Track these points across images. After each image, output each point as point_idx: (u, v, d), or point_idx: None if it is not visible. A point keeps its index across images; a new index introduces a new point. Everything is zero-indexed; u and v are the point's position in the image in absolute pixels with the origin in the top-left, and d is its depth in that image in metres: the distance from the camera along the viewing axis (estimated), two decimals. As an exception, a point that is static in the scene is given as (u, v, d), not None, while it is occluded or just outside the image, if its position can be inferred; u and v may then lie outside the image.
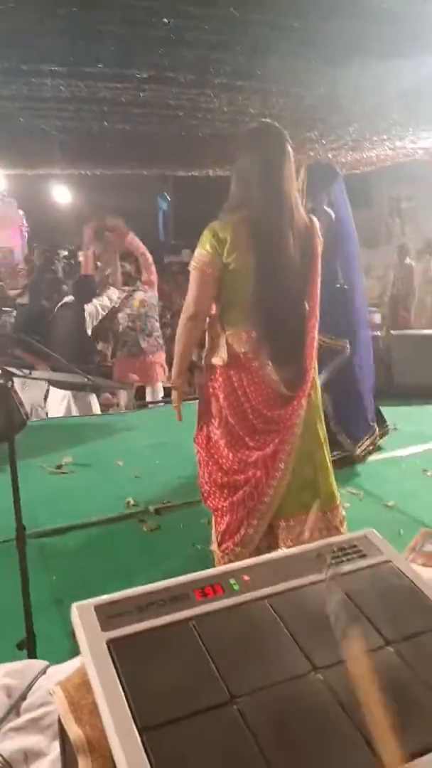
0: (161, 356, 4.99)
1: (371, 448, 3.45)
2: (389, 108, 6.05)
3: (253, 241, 1.97)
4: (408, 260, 8.62)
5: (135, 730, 0.71)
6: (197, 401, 2.22)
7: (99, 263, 5.03)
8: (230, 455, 2.06)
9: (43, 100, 5.52)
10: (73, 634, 0.89)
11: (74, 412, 4.36)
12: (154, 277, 4.97)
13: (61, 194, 12.59)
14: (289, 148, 2.01)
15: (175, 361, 2.20)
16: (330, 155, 7.39)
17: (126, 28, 4.00)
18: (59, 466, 3.53)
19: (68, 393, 4.35)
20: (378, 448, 3.54)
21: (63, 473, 3.48)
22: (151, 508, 2.98)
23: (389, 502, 2.92)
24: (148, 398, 4.95)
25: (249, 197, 1.98)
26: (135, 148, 7.31)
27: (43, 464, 3.53)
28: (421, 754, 0.70)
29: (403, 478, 3.26)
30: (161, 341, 5.01)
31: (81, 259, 5.60)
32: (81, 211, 11.56)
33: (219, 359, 2.04)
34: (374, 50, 4.78)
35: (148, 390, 5.00)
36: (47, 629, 1.82)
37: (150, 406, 4.98)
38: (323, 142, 6.96)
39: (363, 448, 3.38)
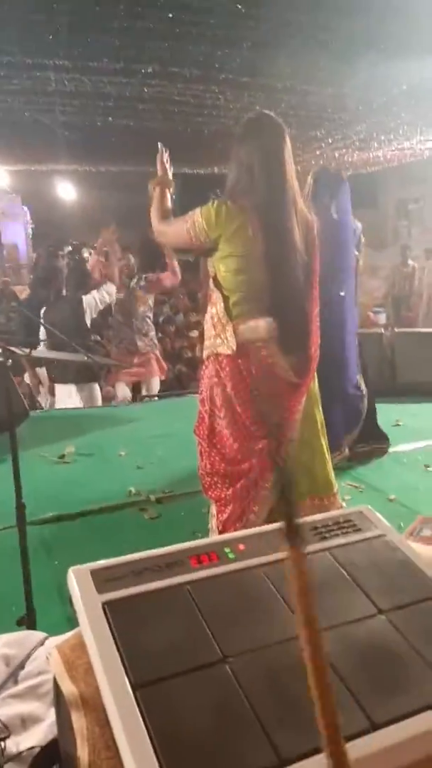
0: (156, 353, 5.02)
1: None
2: (397, 107, 6.07)
3: (262, 229, 1.97)
4: (411, 261, 8.62)
5: (128, 686, 0.72)
6: (198, 393, 2.22)
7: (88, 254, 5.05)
8: (235, 444, 2.06)
9: (47, 95, 5.56)
10: (70, 601, 0.90)
11: (78, 404, 4.38)
12: (169, 282, 5.00)
13: (66, 191, 12.62)
14: (287, 137, 2.03)
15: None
16: (336, 154, 7.42)
17: (131, 22, 4.04)
18: (62, 456, 3.55)
19: (72, 388, 4.38)
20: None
21: (66, 463, 3.50)
22: (153, 497, 2.99)
23: (391, 496, 2.93)
24: (144, 393, 4.96)
25: (253, 184, 1.99)
26: (140, 144, 7.32)
27: (46, 454, 3.55)
28: (410, 716, 0.71)
29: (405, 473, 3.26)
30: (155, 341, 5.03)
31: (86, 255, 5.61)
32: (85, 208, 11.59)
33: (227, 348, 2.04)
34: (383, 48, 4.80)
35: (144, 385, 4.99)
36: (48, 611, 1.83)
37: (147, 399, 4.98)
38: (329, 141, 6.99)
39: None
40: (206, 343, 2.14)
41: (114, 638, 0.78)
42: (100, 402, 4.63)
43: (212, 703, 0.71)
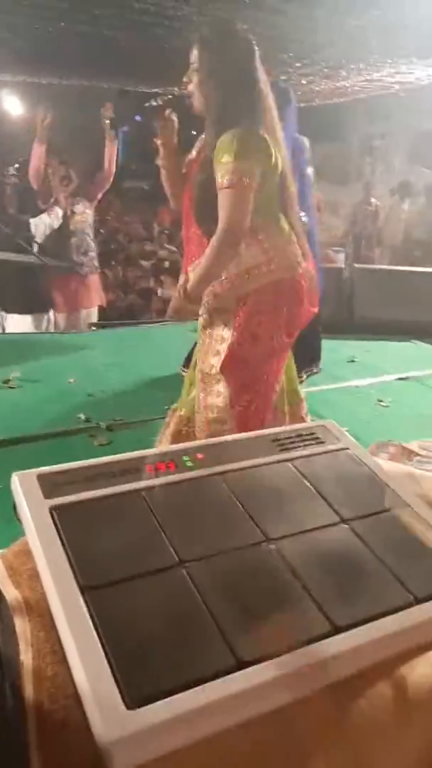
0: (95, 279, 4.79)
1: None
2: (368, 34, 5.80)
3: (273, 149, 1.87)
4: (374, 199, 8.52)
5: (77, 589, 0.67)
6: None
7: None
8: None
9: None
10: (14, 509, 0.84)
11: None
12: (100, 194, 4.70)
13: (12, 105, 11.77)
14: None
15: (201, 277, 1.93)
16: (303, 81, 7.10)
17: None
18: (6, 381, 3.42)
19: (27, 318, 4.22)
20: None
21: (11, 388, 3.38)
22: (103, 424, 2.93)
23: (343, 429, 2.96)
24: (83, 321, 4.75)
25: (243, 105, 1.85)
26: (95, 55, 6.82)
27: (-10, 378, 3.41)
28: (372, 620, 0.69)
29: (358, 407, 3.29)
30: (96, 263, 4.76)
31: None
32: (33, 125, 10.86)
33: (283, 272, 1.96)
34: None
35: (83, 312, 4.76)
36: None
37: (94, 328, 4.82)
38: (297, 65, 6.66)
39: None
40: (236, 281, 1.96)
41: (62, 542, 0.73)
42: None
43: (167, 606, 0.67)
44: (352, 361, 3.87)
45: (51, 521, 0.76)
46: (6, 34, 6.09)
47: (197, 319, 2.08)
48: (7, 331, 4.40)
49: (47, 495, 0.80)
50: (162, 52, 6.45)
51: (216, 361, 1.97)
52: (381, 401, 3.39)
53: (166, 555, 0.73)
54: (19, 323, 4.41)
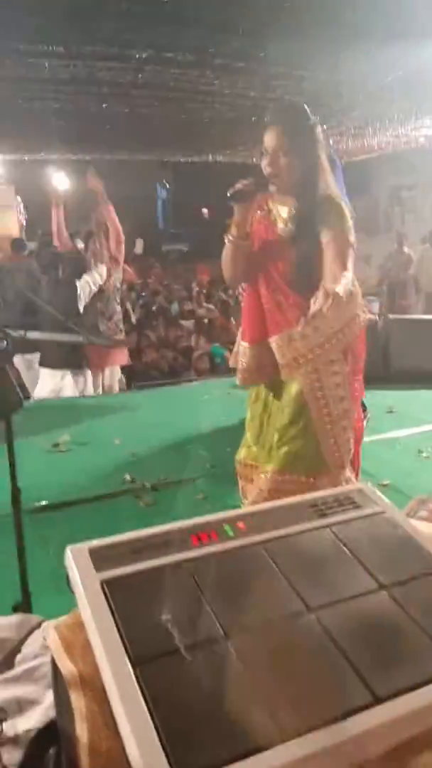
0: (120, 341, 4.92)
1: None
2: (391, 93, 6.02)
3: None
4: (406, 248, 8.60)
5: (128, 663, 0.71)
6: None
7: (81, 243, 4.97)
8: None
9: (40, 82, 5.48)
10: (67, 582, 0.89)
11: (68, 392, 4.36)
12: (121, 257, 4.88)
13: (59, 180, 12.48)
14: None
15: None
16: (332, 141, 7.37)
17: (125, 7, 3.98)
18: (56, 445, 3.53)
19: (67, 373, 4.34)
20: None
21: (60, 452, 3.49)
22: (148, 484, 2.98)
23: (384, 481, 2.93)
24: (106, 382, 4.84)
25: (324, 174, 2.00)
26: (134, 131, 7.28)
27: (41, 443, 3.53)
28: (413, 689, 0.70)
29: (399, 459, 3.26)
30: (121, 326, 4.90)
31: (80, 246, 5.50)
32: (79, 198, 11.49)
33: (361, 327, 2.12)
34: (377, 35, 4.76)
35: (106, 373, 4.83)
36: (43, 599, 1.81)
37: (136, 388, 4.93)
38: (325, 127, 6.93)
39: None
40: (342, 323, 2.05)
41: (113, 616, 0.77)
42: (91, 389, 4.60)
43: (214, 679, 0.70)
44: (391, 411, 3.84)
45: (103, 595, 0.80)
46: (54, 118, 6.56)
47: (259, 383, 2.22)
48: (38, 385, 4.50)
49: (98, 568, 0.84)
50: (195, 124, 6.84)
51: (347, 405, 2.09)
52: (422, 452, 3.35)
53: (212, 627, 0.76)
54: (48, 379, 4.48)
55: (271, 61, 5.01)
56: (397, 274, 8.12)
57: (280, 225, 2.06)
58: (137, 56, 4.88)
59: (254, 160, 8.74)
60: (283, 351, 2.07)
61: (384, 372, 4.41)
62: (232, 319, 7.90)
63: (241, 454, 2.30)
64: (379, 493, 1.04)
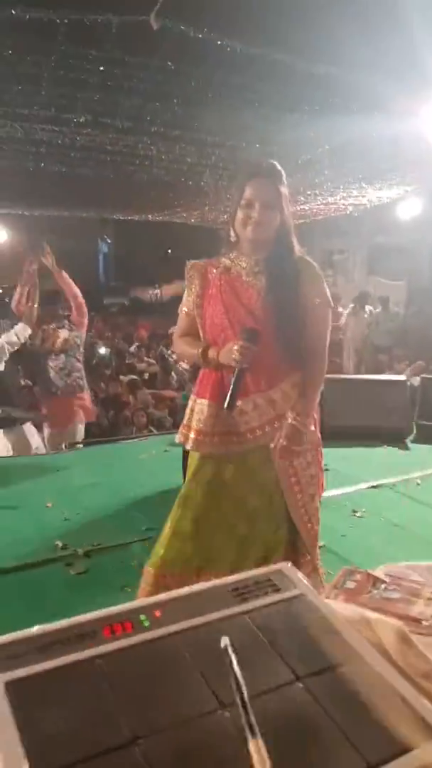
0: (82, 396, 4.90)
1: None
2: (320, 164, 6.40)
3: None
4: (340, 309, 8.95)
5: (27, 779, 0.66)
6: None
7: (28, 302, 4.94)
8: None
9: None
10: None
11: (6, 450, 4.23)
12: (85, 319, 4.94)
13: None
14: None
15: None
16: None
17: (62, 72, 4.11)
18: (-18, 509, 3.38)
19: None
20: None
21: (-13, 516, 3.34)
22: (80, 551, 2.88)
23: (320, 543, 2.93)
24: (68, 439, 4.81)
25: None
26: (73, 190, 7.41)
27: (-34, 507, 3.37)
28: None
29: (334, 519, 3.29)
30: (82, 382, 4.89)
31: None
32: (17, 252, 11.48)
33: None
34: (307, 110, 5.08)
35: (69, 429, 4.84)
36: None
37: (77, 447, 4.85)
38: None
39: None
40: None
41: (16, 723, 0.73)
42: (33, 444, 4.48)
43: (119, 793, 0.66)
44: (326, 469, 3.90)
45: (5, 698, 0.76)
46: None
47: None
48: None
49: (2, 668, 0.80)
50: (133, 186, 7.02)
51: (314, 470, 2.09)
52: (355, 512, 3.40)
53: (120, 731, 0.73)
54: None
55: (205, 130, 5.26)
56: (332, 334, 8.41)
57: (247, 278, 1.96)
58: (74, 120, 5.02)
59: (192, 221, 9.02)
60: (261, 412, 1.92)
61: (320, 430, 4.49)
62: (172, 373, 7.93)
63: (163, 555, 2.00)
64: (298, 574, 1.04)
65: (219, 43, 4.15)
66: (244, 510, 1.98)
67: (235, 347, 1.82)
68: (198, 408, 2.00)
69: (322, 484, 2.22)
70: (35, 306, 4.55)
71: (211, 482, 1.99)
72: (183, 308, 2.08)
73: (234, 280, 1.97)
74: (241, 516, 1.98)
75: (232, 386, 1.84)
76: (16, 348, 4.43)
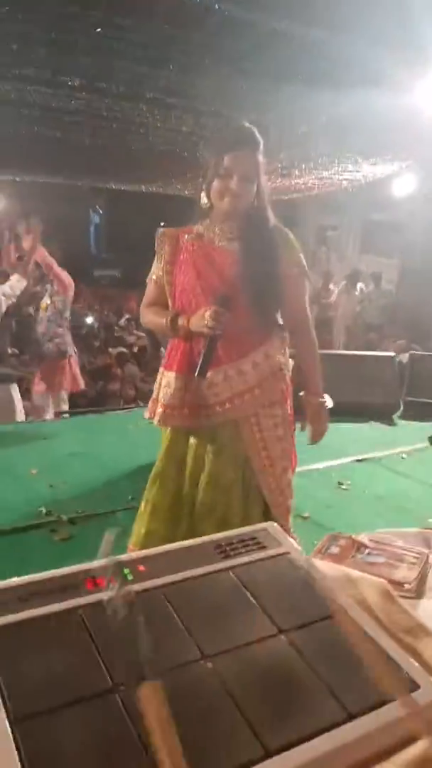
0: (64, 363, 4.88)
1: None
2: (316, 138, 6.32)
3: None
4: (331, 286, 8.91)
5: (6, 722, 0.66)
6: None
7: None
8: None
9: (-31, 102, 5.38)
10: None
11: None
12: (69, 290, 4.86)
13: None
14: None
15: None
16: (260, 179, 7.64)
17: (57, 34, 3.99)
18: (-33, 474, 3.36)
19: None
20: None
21: (-29, 482, 3.31)
22: (65, 518, 2.87)
23: (304, 514, 2.95)
24: (52, 407, 4.80)
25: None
26: (67, 156, 7.25)
27: None
28: (304, 741, 0.69)
29: (318, 491, 3.30)
30: (64, 348, 4.84)
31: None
32: (9, 219, 11.27)
33: None
34: (304, 81, 4.99)
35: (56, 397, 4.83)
36: None
37: (65, 415, 4.83)
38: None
39: None
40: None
41: (-5, 669, 0.72)
42: (17, 405, 4.46)
43: (98, 737, 0.66)
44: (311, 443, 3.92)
45: (-15, 645, 0.75)
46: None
47: None
48: None
49: (-18, 617, 0.79)
50: (127, 154, 6.89)
51: (286, 444, 2.06)
52: (341, 484, 3.41)
53: (100, 679, 0.73)
54: None
55: (201, 98, 5.14)
56: (324, 311, 8.37)
57: (220, 243, 1.88)
58: (69, 83, 4.89)
59: (186, 193, 8.90)
60: (231, 383, 1.86)
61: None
62: (162, 348, 7.89)
63: (145, 533, 1.97)
64: (284, 533, 1.04)
65: (217, 7, 4.04)
66: (219, 484, 1.94)
67: (208, 313, 1.74)
68: (165, 381, 1.94)
69: (295, 458, 2.19)
70: (31, 262, 4.48)
71: (184, 457, 1.97)
72: (152, 276, 1.99)
73: (207, 246, 1.89)
74: (217, 491, 1.95)
75: (203, 353, 1.78)
76: (12, 301, 4.33)
